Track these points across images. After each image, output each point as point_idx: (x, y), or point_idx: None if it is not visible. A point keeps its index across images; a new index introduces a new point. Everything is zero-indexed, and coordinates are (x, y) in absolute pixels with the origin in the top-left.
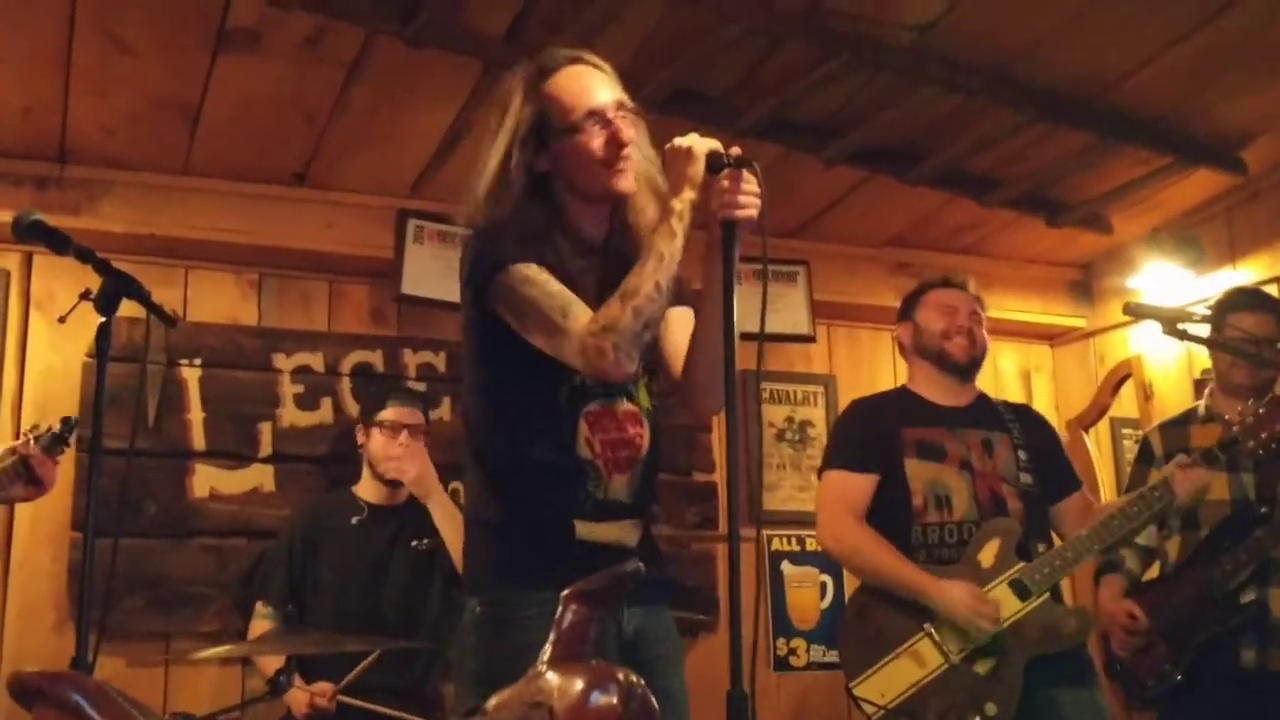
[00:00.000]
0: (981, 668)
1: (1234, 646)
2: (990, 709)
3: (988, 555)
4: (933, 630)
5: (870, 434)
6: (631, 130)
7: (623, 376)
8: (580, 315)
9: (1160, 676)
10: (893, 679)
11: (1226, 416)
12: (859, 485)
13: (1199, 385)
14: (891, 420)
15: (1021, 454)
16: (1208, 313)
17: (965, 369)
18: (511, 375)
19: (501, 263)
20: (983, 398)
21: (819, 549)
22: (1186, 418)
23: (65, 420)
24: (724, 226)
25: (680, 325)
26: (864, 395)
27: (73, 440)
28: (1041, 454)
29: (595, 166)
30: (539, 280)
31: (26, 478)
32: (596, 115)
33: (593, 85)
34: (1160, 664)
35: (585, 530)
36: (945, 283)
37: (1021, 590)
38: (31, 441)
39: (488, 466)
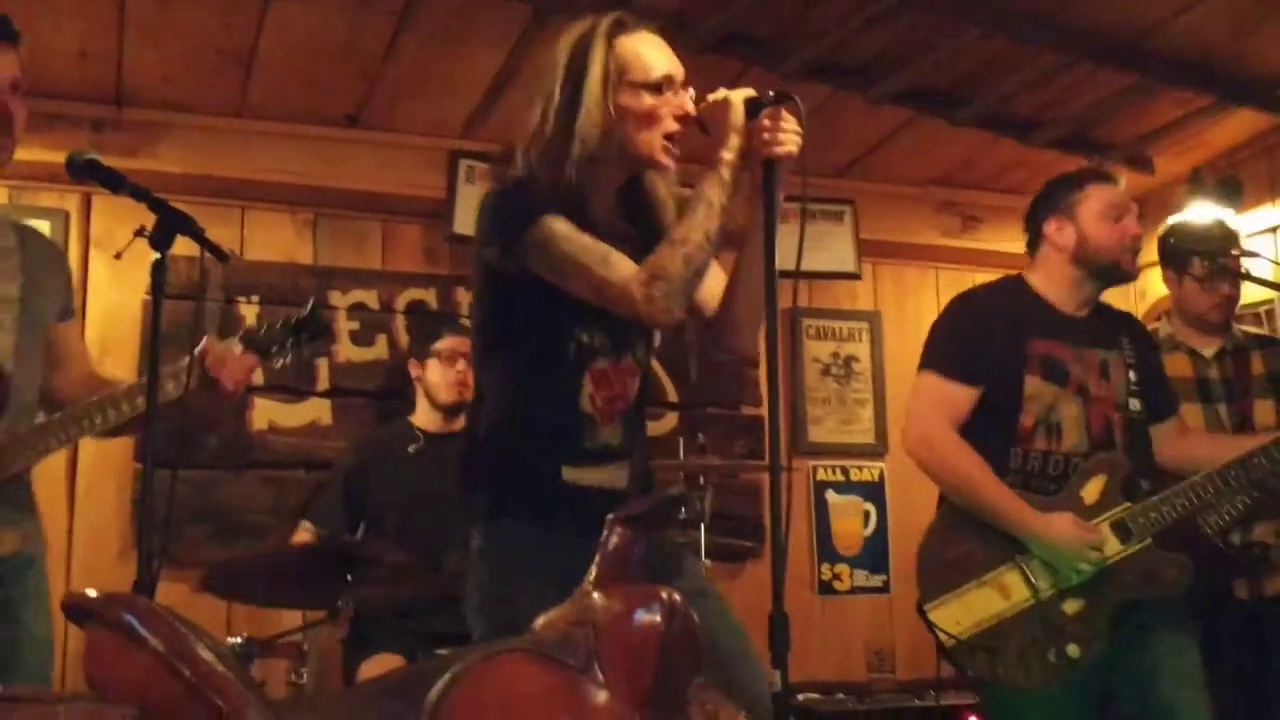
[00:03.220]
0: (1070, 607)
1: (1227, 581)
2: (1073, 650)
3: (1091, 492)
4: (1024, 563)
5: (981, 342)
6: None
7: (672, 322)
8: (620, 263)
9: None
10: (972, 608)
11: (1194, 347)
12: (958, 397)
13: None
14: (1013, 327)
15: (1132, 375)
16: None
17: (1128, 280)
18: (521, 332)
19: (532, 217)
20: (1103, 307)
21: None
22: None
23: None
24: (765, 165)
25: (712, 270)
26: (972, 290)
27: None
28: (1147, 374)
29: (655, 132)
30: (571, 233)
31: (202, 380)
32: (671, 84)
33: (669, 56)
34: None
35: (571, 475)
36: (1107, 177)
37: (1124, 532)
38: (237, 341)
39: (489, 417)
